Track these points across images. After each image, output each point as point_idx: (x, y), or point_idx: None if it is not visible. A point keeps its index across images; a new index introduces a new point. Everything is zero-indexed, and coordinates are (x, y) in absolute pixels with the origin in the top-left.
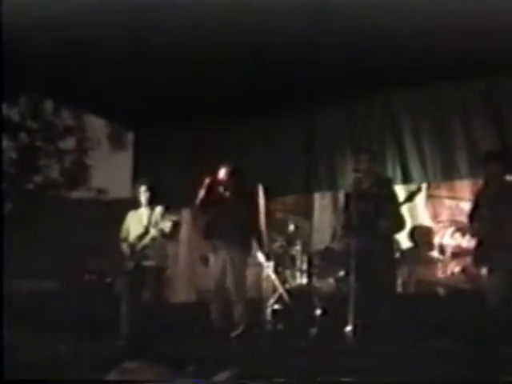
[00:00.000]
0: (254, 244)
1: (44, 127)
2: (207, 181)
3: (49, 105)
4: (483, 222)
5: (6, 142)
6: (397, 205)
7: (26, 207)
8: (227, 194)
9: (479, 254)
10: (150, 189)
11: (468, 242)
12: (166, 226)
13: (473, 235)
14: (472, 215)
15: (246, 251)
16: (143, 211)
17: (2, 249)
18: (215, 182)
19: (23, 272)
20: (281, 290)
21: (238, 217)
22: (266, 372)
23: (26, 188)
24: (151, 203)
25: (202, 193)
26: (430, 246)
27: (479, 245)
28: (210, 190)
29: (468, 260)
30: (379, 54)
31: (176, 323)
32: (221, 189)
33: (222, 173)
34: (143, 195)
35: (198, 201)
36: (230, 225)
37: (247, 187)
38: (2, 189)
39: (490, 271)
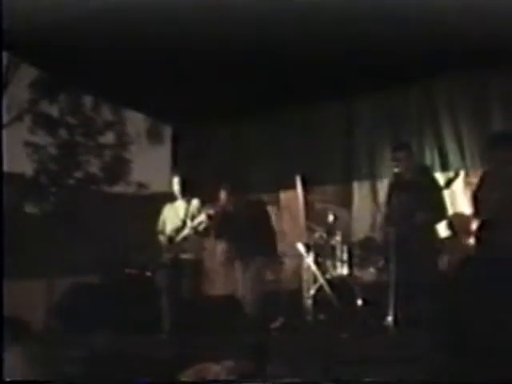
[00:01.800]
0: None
1: (84, 123)
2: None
3: (88, 100)
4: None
5: (46, 139)
6: (438, 194)
7: (67, 202)
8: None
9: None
10: (184, 180)
11: None
12: (203, 219)
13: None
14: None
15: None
16: (180, 204)
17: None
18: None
19: (65, 267)
20: (321, 280)
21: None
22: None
23: (67, 184)
24: (185, 195)
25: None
26: (469, 235)
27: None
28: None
29: None
30: (416, 42)
31: (215, 316)
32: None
33: (223, 196)
34: (177, 186)
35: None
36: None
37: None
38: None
39: None
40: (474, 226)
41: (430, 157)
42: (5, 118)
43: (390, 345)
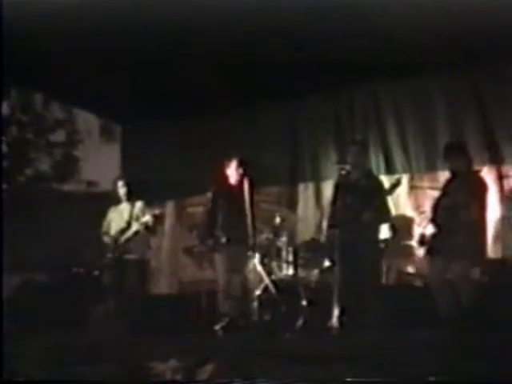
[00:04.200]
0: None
1: (34, 120)
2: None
3: (39, 98)
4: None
5: None
6: (383, 196)
7: (17, 200)
8: (235, 184)
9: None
10: (128, 184)
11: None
12: (149, 219)
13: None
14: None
15: (243, 243)
16: (124, 206)
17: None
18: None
19: (13, 265)
20: (267, 281)
21: (238, 208)
22: (250, 365)
23: (16, 181)
24: (130, 198)
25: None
26: (410, 236)
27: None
28: (222, 180)
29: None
30: (364, 44)
31: (159, 315)
32: (231, 179)
33: (232, 164)
34: (121, 190)
35: (211, 190)
36: (233, 217)
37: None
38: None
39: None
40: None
41: (376, 160)
42: None
43: (333, 345)
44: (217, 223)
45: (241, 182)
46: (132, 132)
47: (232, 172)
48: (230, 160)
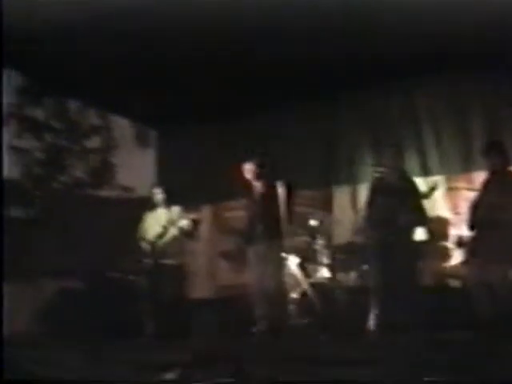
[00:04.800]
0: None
1: (69, 127)
2: (239, 174)
3: (74, 104)
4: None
5: (31, 143)
6: (419, 198)
7: (52, 207)
8: (259, 188)
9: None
10: (165, 190)
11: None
12: (185, 224)
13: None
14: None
15: (280, 246)
16: (160, 211)
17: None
18: (246, 176)
19: (50, 271)
20: (305, 284)
21: (269, 211)
22: (288, 368)
23: (52, 188)
24: (166, 203)
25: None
26: (447, 238)
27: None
28: (244, 184)
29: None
30: (398, 46)
31: (197, 320)
32: (254, 183)
33: (251, 166)
34: (157, 195)
35: (246, 194)
36: (262, 220)
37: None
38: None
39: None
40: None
41: (411, 162)
42: None
43: (371, 347)
44: (253, 227)
45: (276, 185)
46: (167, 137)
47: (268, 175)
48: (265, 163)
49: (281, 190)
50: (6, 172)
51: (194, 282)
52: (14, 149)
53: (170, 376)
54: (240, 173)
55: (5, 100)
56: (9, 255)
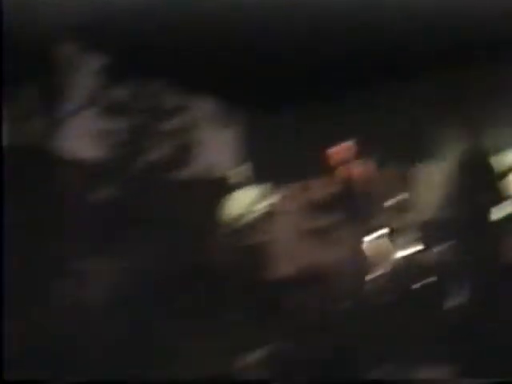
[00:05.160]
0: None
1: (151, 107)
2: (329, 155)
3: (156, 85)
4: None
5: (114, 124)
6: (500, 176)
7: (135, 189)
8: (348, 165)
9: None
10: (247, 169)
11: None
12: (269, 203)
13: None
14: None
15: (366, 224)
16: (244, 191)
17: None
18: (337, 156)
19: (132, 255)
20: (390, 260)
21: (358, 188)
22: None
23: (135, 169)
24: (250, 183)
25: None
26: None
27: None
28: (333, 164)
29: None
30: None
31: (280, 300)
32: (343, 160)
33: (343, 147)
34: (241, 175)
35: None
36: (350, 197)
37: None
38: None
39: None
40: None
41: (492, 138)
42: (72, 107)
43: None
44: (339, 204)
45: (360, 164)
46: (251, 116)
47: (352, 153)
48: (349, 142)
49: (369, 168)
50: (90, 154)
51: (280, 260)
52: (97, 131)
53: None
54: (329, 151)
55: (88, 82)
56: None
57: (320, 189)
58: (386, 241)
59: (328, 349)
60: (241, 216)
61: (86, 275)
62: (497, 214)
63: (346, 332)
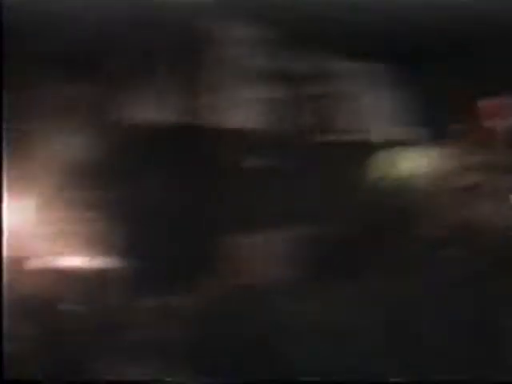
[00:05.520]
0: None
1: (311, 73)
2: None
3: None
4: None
5: (266, 93)
6: None
7: (286, 155)
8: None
9: None
10: (408, 130)
11: None
12: (422, 163)
13: None
14: None
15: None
16: (404, 151)
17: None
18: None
19: (285, 220)
20: None
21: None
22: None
23: (287, 135)
24: (411, 143)
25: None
26: None
27: None
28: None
29: None
30: None
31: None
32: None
33: (497, 103)
34: (403, 136)
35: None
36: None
37: None
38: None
39: None
40: None
41: None
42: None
43: None
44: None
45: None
46: (405, 74)
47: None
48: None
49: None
50: (242, 124)
51: (432, 218)
52: (258, 99)
53: None
54: (482, 104)
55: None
56: (250, 205)
57: (473, 146)
58: None
59: None
60: (401, 176)
61: None
62: None
63: None
